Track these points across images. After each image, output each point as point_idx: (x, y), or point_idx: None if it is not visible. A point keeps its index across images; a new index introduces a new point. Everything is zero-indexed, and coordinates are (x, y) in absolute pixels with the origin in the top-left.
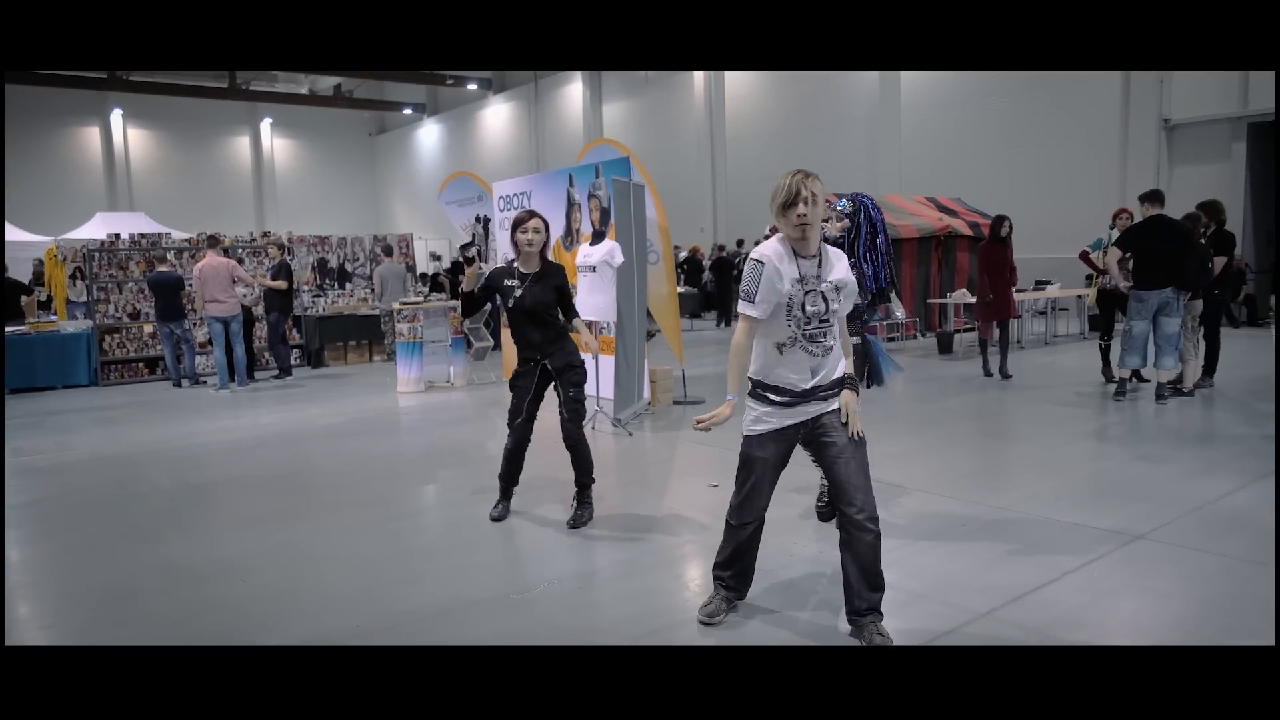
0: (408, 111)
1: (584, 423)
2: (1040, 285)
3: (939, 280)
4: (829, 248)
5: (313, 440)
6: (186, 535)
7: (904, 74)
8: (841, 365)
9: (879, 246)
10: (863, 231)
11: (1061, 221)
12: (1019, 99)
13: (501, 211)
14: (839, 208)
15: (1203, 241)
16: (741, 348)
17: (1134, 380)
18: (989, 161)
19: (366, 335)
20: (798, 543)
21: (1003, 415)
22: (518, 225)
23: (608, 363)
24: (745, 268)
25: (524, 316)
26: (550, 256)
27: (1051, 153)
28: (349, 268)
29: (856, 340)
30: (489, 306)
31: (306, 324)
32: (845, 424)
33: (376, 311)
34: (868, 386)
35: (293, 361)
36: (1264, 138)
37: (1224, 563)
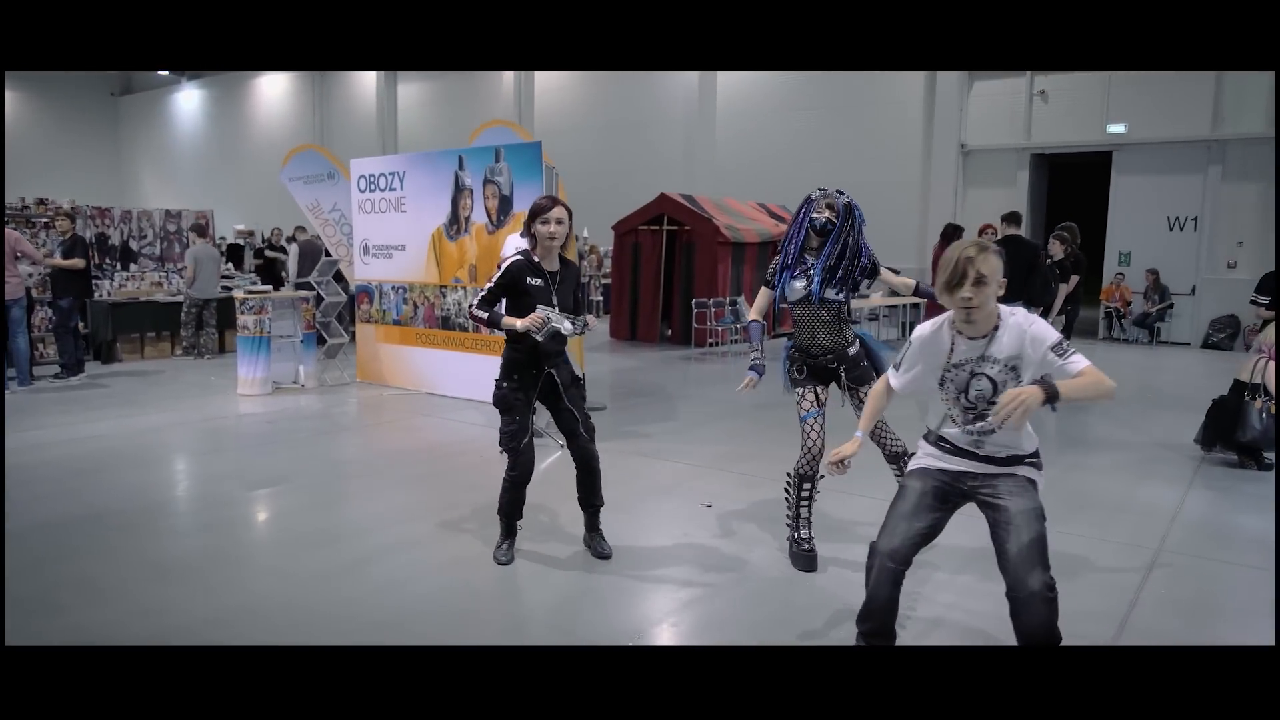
0: (164, 73)
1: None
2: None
3: None
4: (1008, 316)
5: (159, 460)
6: None
7: (721, 77)
8: (1028, 441)
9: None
10: (843, 236)
11: (872, 233)
12: (831, 115)
13: (363, 193)
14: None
15: (1065, 261)
16: (879, 394)
17: None
18: (803, 171)
19: (168, 326)
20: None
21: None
22: (537, 214)
23: None
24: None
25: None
26: (434, 246)
27: (862, 168)
28: (134, 246)
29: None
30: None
31: (95, 312)
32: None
33: (179, 299)
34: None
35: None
36: (1041, 168)
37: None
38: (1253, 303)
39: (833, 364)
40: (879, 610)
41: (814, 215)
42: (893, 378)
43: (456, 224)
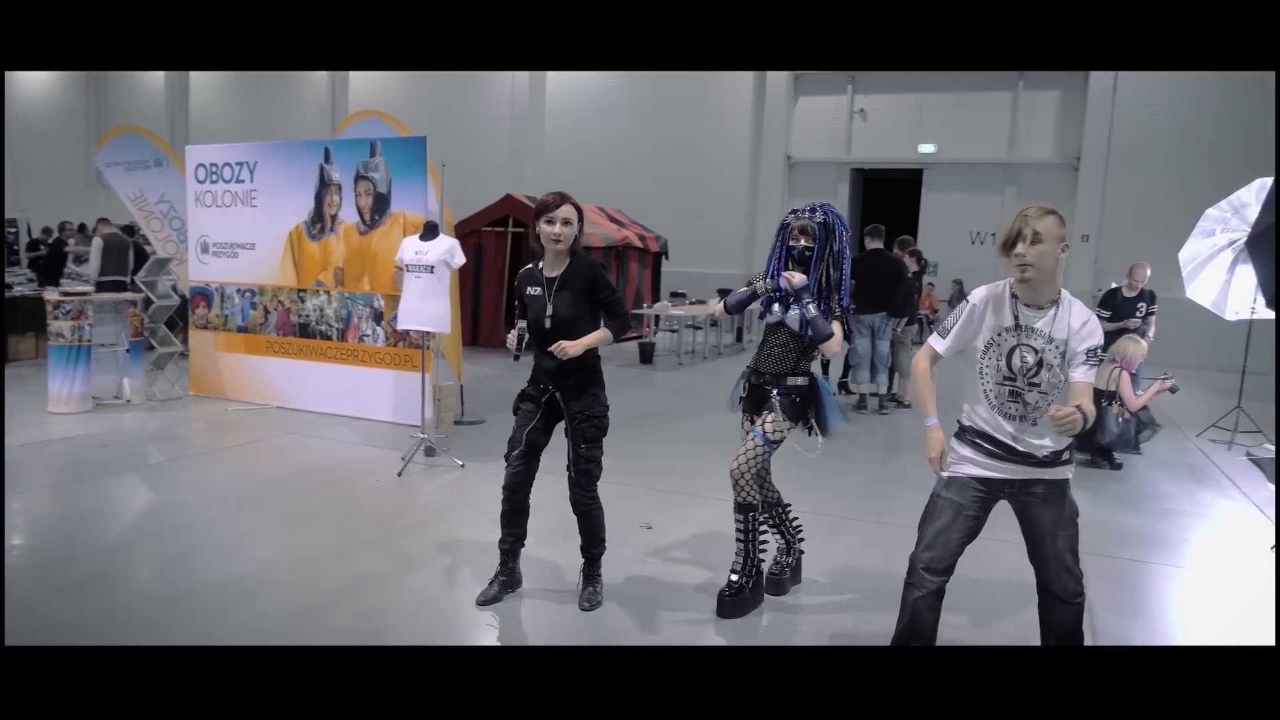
0: None
1: (408, 457)
2: (677, 296)
3: (617, 289)
4: (1074, 300)
5: None
6: None
7: (550, 76)
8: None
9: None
10: (819, 254)
11: (703, 239)
12: (661, 120)
13: (201, 184)
14: (810, 214)
15: (919, 273)
16: (922, 372)
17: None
18: (632, 174)
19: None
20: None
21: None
22: (542, 212)
23: (413, 380)
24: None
25: (542, 336)
26: (291, 246)
27: (692, 175)
28: None
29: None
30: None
31: None
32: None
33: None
34: (810, 435)
35: None
36: (859, 182)
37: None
38: (1098, 316)
39: (768, 386)
40: (923, 629)
41: (790, 245)
42: (938, 343)
43: (320, 222)
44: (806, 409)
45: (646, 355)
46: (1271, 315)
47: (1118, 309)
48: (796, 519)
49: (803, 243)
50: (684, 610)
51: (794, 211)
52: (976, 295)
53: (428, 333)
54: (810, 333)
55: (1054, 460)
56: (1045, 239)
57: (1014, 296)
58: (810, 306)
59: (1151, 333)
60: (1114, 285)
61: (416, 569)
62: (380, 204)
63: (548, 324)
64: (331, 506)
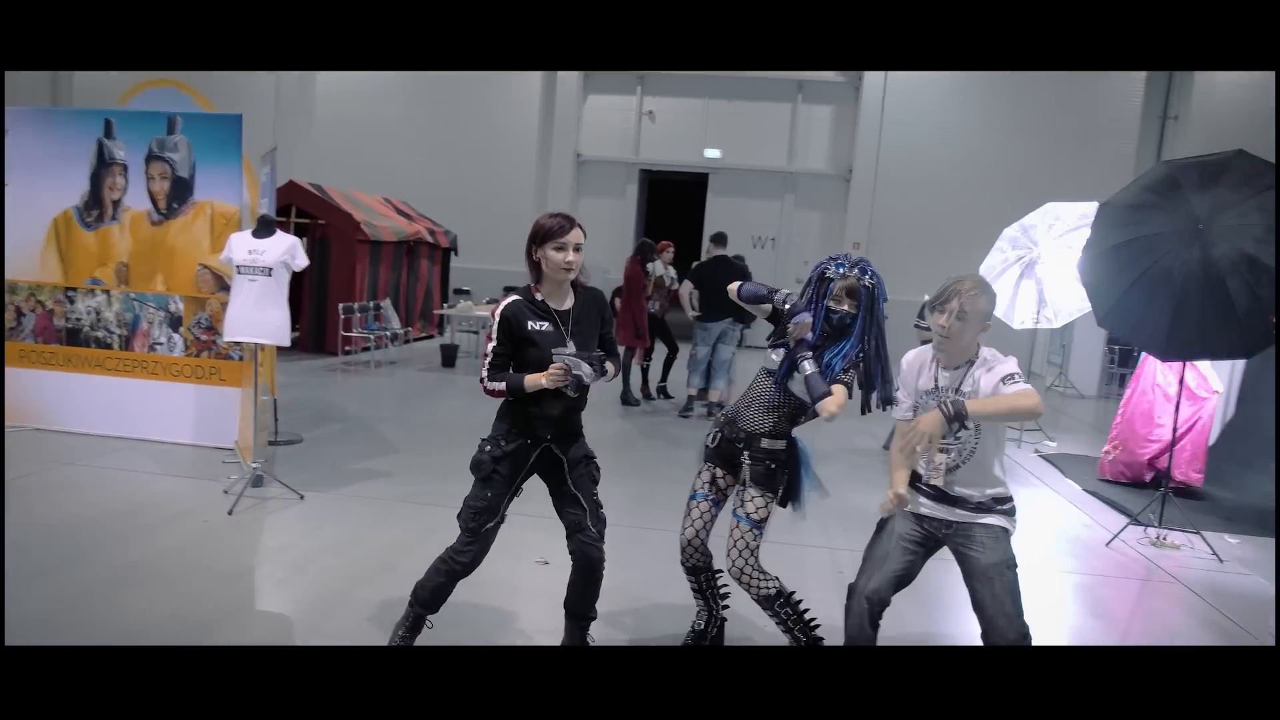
0: None
1: (237, 491)
2: (461, 294)
3: (407, 287)
4: (992, 355)
5: None
6: None
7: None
8: (996, 484)
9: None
10: (864, 324)
11: (491, 235)
12: (445, 110)
13: None
14: (860, 273)
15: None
16: (891, 457)
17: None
18: (417, 167)
19: None
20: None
21: (629, 441)
22: (548, 238)
23: (218, 395)
24: None
25: None
26: (56, 235)
27: (480, 169)
28: None
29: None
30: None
31: None
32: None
33: None
34: (781, 504)
35: None
36: (645, 184)
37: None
38: (916, 326)
39: (739, 445)
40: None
41: (830, 305)
42: (900, 412)
43: (99, 208)
44: (780, 476)
45: (449, 358)
46: (1052, 325)
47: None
48: (725, 586)
49: (845, 307)
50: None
51: (835, 262)
52: (905, 360)
53: (260, 345)
54: (807, 396)
55: (989, 507)
56: (970, 319)
57: (935, 360)
58: (807, 364)
59: None
60: (927, 298)
61: (314, 642)
62: (180, 190)
63: (571, 352)
64: (158, 562)
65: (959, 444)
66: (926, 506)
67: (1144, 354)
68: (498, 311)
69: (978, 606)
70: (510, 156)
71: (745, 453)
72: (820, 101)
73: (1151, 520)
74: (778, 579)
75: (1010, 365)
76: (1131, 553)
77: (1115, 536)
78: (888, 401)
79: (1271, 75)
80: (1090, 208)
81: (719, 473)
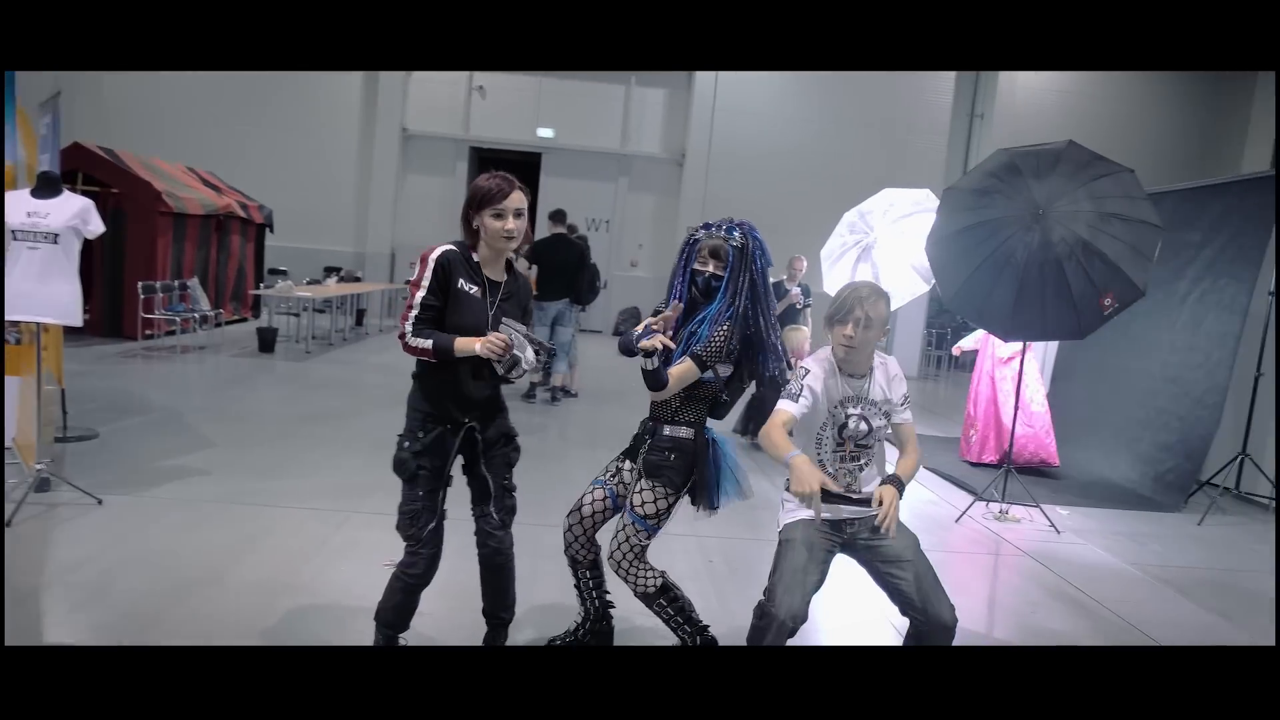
0: None
1: (18, 498)
2: (278, 273)
3: (217, 265)
4: (884, 359)
5: None
6: None
7: None
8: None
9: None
10: (740, 281)
11: (310, 212)
12: (257, 78)
13: None
14: (727, 233)
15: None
16: (780, 426)
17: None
18: (225, 135)
19: None
20: None
21: None
22: (486, 202)
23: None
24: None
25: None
26: None
27: (297, 140)
28: None
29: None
30: None
31: None
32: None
33: None
34: (693, 504)
35: None
36: (475, 162)
37: None
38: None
39: (646, 435)
40: None
41: (695, 269)
42: (790, 406)
43: None
44: (679, 468)
45: (267, 343)
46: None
47: (783, 301)
48: (610, 593)
49: (710, 268)
50: None
51: (705, 226)
52: (812, 366)
53: (44, 326)
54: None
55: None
56: (874, 325)
57: (838, 369)
58: (649, 362)
59: (809, 323)
60: (775, 280)
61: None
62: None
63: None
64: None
65: (869, 452)
66: (830, 511)
67: (985, 334)
68: (432, 256)
69: (897, 592)
70: (331, 128)
71: (647, 440)
72: (654, 85)
73: (994, 495)
74: (663, 574)
75: (902, 380)
76: (979, 528)
77: (964, 514)
78: (775, 381)
79: (1064, 76)
80: (923, 194)
81: (627, 464)
